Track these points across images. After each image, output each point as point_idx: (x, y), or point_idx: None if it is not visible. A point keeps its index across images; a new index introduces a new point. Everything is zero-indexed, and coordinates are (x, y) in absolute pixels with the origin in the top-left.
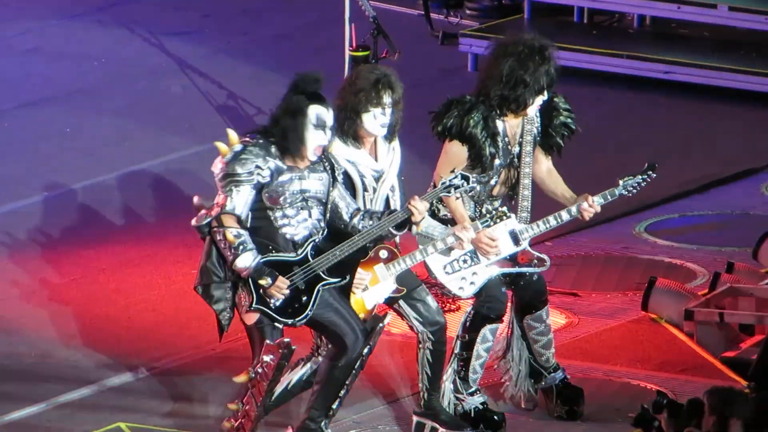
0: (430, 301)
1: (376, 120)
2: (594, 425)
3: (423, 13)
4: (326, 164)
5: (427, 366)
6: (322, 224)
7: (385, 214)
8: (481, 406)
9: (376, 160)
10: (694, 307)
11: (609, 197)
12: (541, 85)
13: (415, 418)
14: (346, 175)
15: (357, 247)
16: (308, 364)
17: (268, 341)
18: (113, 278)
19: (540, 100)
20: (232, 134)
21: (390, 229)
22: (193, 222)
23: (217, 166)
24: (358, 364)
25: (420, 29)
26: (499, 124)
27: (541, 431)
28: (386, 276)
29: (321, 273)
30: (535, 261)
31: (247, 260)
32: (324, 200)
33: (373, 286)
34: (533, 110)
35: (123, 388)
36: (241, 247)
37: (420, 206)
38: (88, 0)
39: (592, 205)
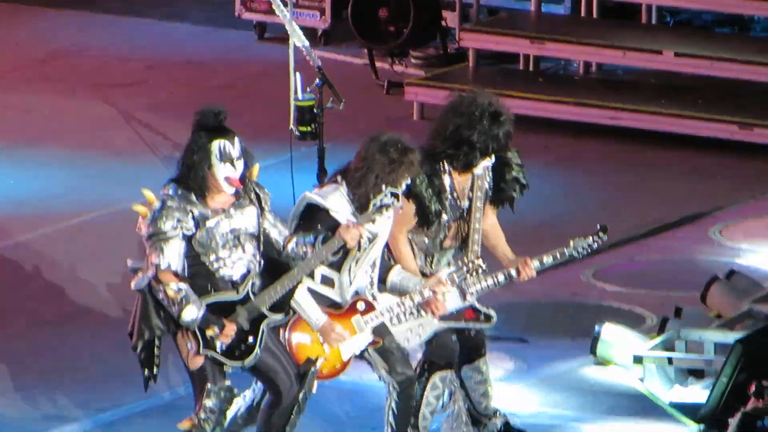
0: (399, 351)
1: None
2: None
3: (368, 62)
4: (252, 195)
5: (391, 418)
6: (258, 258)
7: (320, 241)
8: None
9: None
10: (643, 351)
11: (558, 257)
12: (487, 149)
13: None
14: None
15: (297, 281)
16: (242, 400)
17: (209, 386)
18: (58, 331)
19: (487, 161)
20: (148, 193)
21: (328, 257)
22: (132, 285)
23: (141, 228)
24: (295, 410)
25: (365, 78)
26: (445, 179)
27: None
28: (363, 327)
29: (264, 311)
30: (482, 317)
31: (192, 313)
32: (256, 233)
33: (349, 338)
34: (480, 171)
35: None
36: (183, 301)
37: (352, 233)
38: (30, 52)
39: (528, 269)
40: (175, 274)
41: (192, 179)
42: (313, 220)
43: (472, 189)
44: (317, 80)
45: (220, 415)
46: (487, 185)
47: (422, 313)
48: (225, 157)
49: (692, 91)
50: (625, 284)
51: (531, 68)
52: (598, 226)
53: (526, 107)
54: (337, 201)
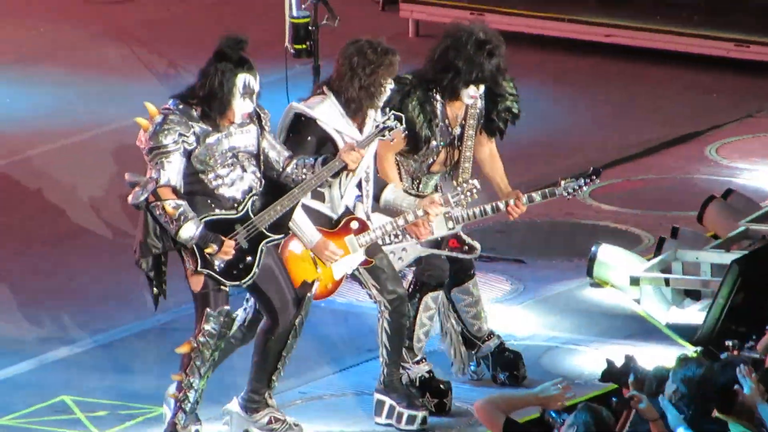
0: (390, 269)
1: (388, 93)
2: None
3: None
4: (253, 116)
5: (385, 338)
6: (258, 175)
7: (320, 163)
8: (427, 375)
9: (361, 134)
10: (639, 272)
11: (548, 196)
12: (471, 76)
13: (375, 396)
14: (332, 143)
15: (297, 201)
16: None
17: (209, 310)
18: (55, 250)
19: (473, 90)
20: (151, 107)
21: (328, 178)
22: (130, 199)
23: (142, 141)
24: (291, 334)
25: None
26: (438, 106)
27: None
28: (356, 247)
29: (263, 230)
30: (465, 247)
31: (190, 230)
32: (255, 152)
33: (342, 257)
34: (468, 99)
35: (66, 362)
36: (182, 218)
37: (353, 156)
38: None
39: (519, 206)
40: (174, 190)
41: (212, 107)
42: (301, 131)
43: (465, 117)
44: None
45: (219, 340)
46: (478, 113)
47: (407, 236)
48: (246, 91)
49: (687, 8)
50: (622, 204)
51: None
52: (591, 169)
53: (520, 24)
54: (325, 111)
